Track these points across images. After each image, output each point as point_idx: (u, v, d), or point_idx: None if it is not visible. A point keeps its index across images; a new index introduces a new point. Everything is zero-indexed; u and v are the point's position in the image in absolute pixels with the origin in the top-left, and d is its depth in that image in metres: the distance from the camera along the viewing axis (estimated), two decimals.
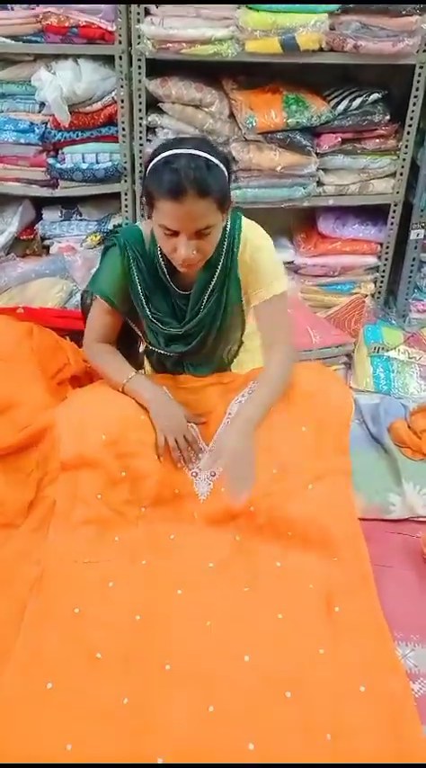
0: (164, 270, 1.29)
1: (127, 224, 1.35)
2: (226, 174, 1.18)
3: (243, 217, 1.31)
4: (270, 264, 1.30)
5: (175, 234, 1.14)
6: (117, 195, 1.95)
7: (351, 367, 1.89)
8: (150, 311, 1.32)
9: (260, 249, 1.29)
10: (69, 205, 2.03)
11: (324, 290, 2.11)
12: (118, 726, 0.91)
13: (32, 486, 1.30)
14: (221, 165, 1.16)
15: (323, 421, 1.29)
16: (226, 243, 1.27)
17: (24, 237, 2.04)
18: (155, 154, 1.17)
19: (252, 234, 1.30)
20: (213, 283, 1.29)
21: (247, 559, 1.18)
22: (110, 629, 1.04)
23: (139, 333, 1.41)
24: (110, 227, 1.99)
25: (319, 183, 1.96)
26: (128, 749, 0.88)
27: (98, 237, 1.98)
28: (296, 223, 2.18)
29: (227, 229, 1.27)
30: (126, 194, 1.93)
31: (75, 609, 1.07)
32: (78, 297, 1.78)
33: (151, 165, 1.16)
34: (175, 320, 1.34)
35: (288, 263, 2.09)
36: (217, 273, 1.29)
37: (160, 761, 0.87)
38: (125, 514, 1.25)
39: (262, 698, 0.95)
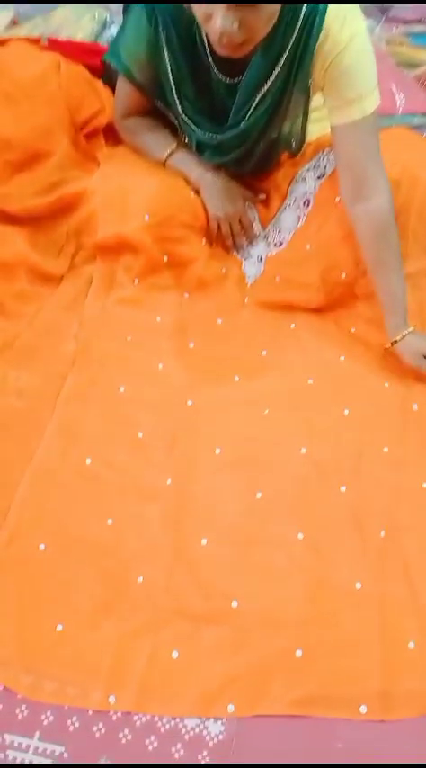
0: (206, 44, 0.92)
1: None
2: None
3: None
4: (360, 72, 0.91)
5: None
6: None
7: None
8: (180, 103, 1.02)
9: (348, 48, 0.89)
10: None
11: (415, 43, 1.70)
12: (160, 505, 0.86)
13: (65, 260, 1.15)
14: None
15: (408, 215, 1.05)
16: (298, 28, 0.89)
17: None
18: None
19: (340, 22, 0.88)
20: (272, 78, 0.94)
21: (306, 350, 1.06)
22: (156, 411, 0.96)
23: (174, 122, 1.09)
24: None
25: None
26: (171, 528, 0.84)
27: None
28: None
29: (304, 9, 0.89)
30: None
31: (119, 388, 0.99)
32: (113, 30, 1.45)
33: None
34: (212, 122, 1.02)
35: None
36: (279, 66, 0.93)
37: (204, 542, 0.83)
38: (166, 299, 1.12)
39: (315, 490, 0.88)
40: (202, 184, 1.11)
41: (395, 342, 1.01)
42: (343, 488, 0.88)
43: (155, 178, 1.09)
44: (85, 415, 0.95)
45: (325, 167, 1.10)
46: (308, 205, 1.11)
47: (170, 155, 1.10)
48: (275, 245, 1.15)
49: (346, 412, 0.97)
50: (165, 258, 1.11)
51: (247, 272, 1.16)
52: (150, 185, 1.08)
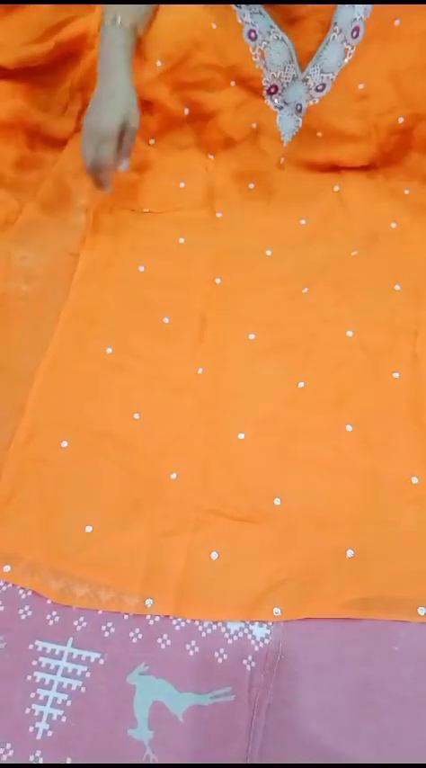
0: None
1: None
2: None
3: None
4: None
5: None
6: None
7: None
8: None
9: None
10: None
11: None
12: (191, 397, 0.77)
13: (70, 120, 1.00)
14: None
15: None
16: None
17: None
18: None
19: None
20: None
21: (351, 217, 0.92)
22: (181, 292, 0.85)
23: None
24: None
25: None
26: (204, 422, 0.76)
27: None
28: None
29: None
30: None
31: (139, 266, 0.87)
32: None
33: None
34: None
35: None
36: None
37: (241, 436, 0.75)
38: (189, 162, 0.97)
39: (365, 377, 0.78)
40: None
41: None
42: (397, 374, 0.78)
43: (165, 11, 0.90)
44: (103, 298, 0.84)
45: None
46: (358, 35, 0.92)
47: None
48: (317, 89, 0.97)
49: (397, 287, 0.85)
50: (186, 110, 0.95)
51: (282, 128, 0.99)
52: (159, 21, 0.90)
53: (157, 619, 0.64)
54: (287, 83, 0.98)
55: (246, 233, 0.90)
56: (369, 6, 0.90)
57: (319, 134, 0.97)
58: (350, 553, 0.66)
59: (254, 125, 0.99)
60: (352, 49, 0.93)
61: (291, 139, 0.99)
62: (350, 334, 0.81)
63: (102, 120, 0.82)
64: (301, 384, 0.78)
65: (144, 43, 0.90)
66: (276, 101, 0.99)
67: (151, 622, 0.64)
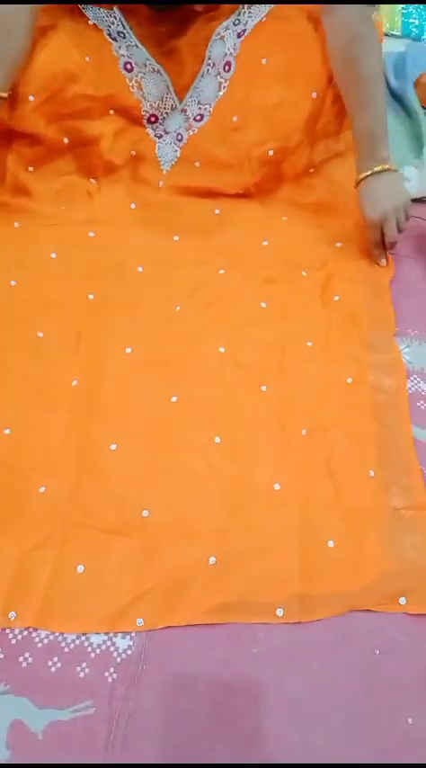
0: None
1: None
2: None
3: None
4: None
5: None
6: None
7: None
8: None
9: None
10: None
11: None
12: (65, 410, 0.78)
13: None
14: None
15: None
16: None
17: None
18: None
19: None
20: None
21: (227, 236, 0.96)
22: (55, 308, 0.86)
23: None
24: None
25: None
26: (77, 434, 0.76)
27: None
28: None
29: None
30: None
31: (10, 281, 0.87)
32: None
33: None
34: None
35: None
36: None
37: (113, 447, 0.75)
38: (70, 189, 0.99)
39: (235, 391, 0.81)
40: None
41: (357, 184, 0.93)
42: (265, 388, 0.82)
43: (35, 50, 0.90)
44: None
45: (247, 23, 0.95)
46: (230, 69, 0.97)
47: None
48: (195, 119, 1.01)
49: (263, 304, 0.89)
50: (66, 140, 0.96)
51: (162, 157, 1.02)
52: (29, 60, 0.90)
53: (20, 638, 0.63)
54: (166, 113, 1.02)
55: (120, 250, 0.93)
56: (238, 42, 0.95)
57: (197, 164, 1.01)
58: (212, 560, 0.68)
59: (133, 152, 1.01)
60: (226, 82, 0.98)
61: (170, 168, 1.02)
62: (222, 350, 0.84)
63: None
64: (174, 398, 0.80)
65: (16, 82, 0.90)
66: (156, 130, 1.03)
67: (13, 641, 0.63)
